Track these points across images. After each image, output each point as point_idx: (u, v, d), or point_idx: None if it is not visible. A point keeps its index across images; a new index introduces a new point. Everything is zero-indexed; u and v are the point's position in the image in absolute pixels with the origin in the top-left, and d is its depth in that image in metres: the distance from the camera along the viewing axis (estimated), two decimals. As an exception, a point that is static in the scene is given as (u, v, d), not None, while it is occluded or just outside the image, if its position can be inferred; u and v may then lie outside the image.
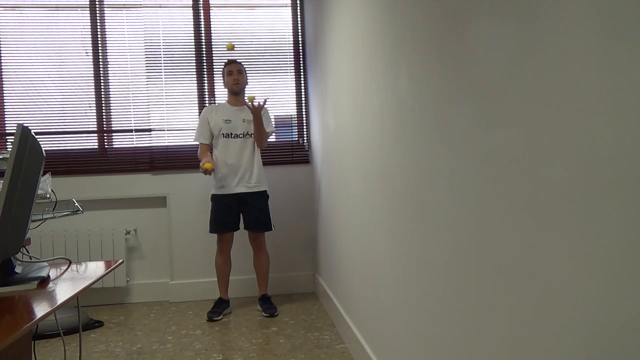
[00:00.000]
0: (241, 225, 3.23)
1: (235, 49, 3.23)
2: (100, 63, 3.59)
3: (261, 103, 3.06)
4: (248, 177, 3.15)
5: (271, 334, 2.79)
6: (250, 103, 3.06)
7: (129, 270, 3.57)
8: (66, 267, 1.54)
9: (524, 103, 0.88)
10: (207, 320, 3.05)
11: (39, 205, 1.95)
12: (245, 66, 3.35)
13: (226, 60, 3.32)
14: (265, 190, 3.23)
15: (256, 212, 3.17)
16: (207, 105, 3.63)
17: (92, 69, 3.59)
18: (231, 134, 3.17)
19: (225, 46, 3.20)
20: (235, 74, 3.22)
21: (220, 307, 3.14)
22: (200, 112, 3.62)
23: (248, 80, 3.36)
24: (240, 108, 3.23)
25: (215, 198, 3.19)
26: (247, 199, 3.15)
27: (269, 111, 3.31)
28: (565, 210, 0.79)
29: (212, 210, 3.19)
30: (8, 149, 3.48)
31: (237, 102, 3.25)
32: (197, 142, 3.26)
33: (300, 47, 3.75)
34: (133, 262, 3.58)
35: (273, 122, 3.41)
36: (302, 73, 3.76)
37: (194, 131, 3.62)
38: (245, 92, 3.31)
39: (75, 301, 1.70)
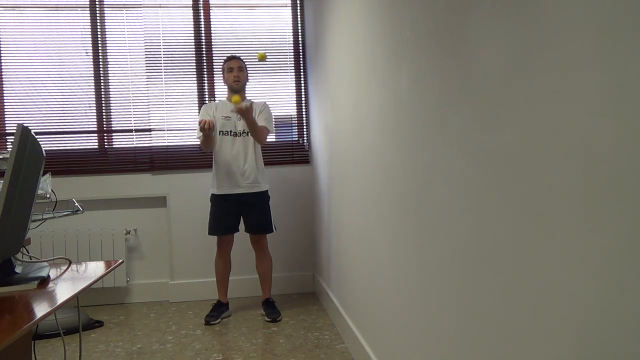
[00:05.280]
0: (241, 227, 3.19)
1: (266, 58, 3.02)
2: (100, 63, 3.59)
3: (247, 105, 2.93)
4: (248, 176, 3.09)
5: (271, 334, 2.79)
6: (237, 107, 2.94)
7: (129, 270, 3.57)
8: (66, 267, 1.54)
9: (524, 103, 0.88)
10: (204, 324, 3.01)
11: (39, 205, 1.95)
12: (245, 66, 3.24)
13: (227, 56, 3.22)
14: (267, 191, 3.18)
15: (257, 214, 3.13)
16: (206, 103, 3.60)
17: (92, 69, 3.59)
18: (230, 131, 3.10)
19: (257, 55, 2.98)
20: (236, 71, 3.12)
21: (218, 310, 3.10)
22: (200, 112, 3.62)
23: (249, 78, 3.26)
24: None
25: (214, 198, 3.13)
26: (248, 200, 3.09)
27: (270, 110, 3.23)
28: (565, 211, 0.79)
29: (211, 212, 3.14)
30: (8, 149, 3.48)
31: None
32: (198, 137, 3.07)
33: (300, 47, 3.75)
34: (133, 262, 3.58)
35: (274, 122, 3.33)
36: (302, 73, 3.76)
37: (194, 131, 3.63)
38: (246, 90, 3.24)
39: (75, 301, 1.70)
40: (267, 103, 3.23)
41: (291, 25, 3.75)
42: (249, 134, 3.12)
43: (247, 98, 3.24)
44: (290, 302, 3.41)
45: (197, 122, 3.12)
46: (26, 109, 3.54)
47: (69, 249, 3.40)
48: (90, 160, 3.55)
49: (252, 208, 3.12)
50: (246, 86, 3.24)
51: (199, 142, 3.58)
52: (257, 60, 3.01)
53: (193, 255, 3.59)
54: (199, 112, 3.61)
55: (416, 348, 1.51)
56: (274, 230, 3.21)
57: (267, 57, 3.71)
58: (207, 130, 2.90)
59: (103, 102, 3.59)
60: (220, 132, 3.10)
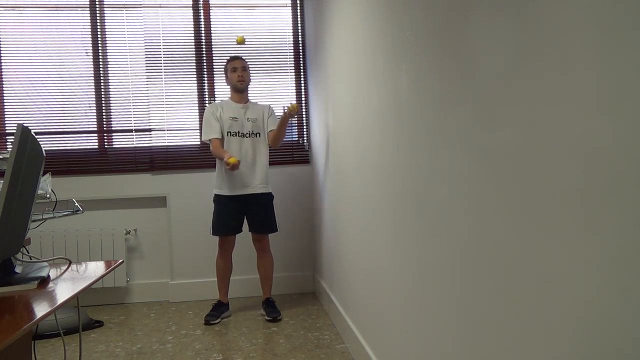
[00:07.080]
0: (244, 227, 3.19)
1: (245, 43, 2.99)
2: (100, 63, 3.59)
3: (294, 108, 2.96)
4: (255, 178, 3.08)
5: (271, 334, 2.79)
6: (285, 109, 2.98)
7: (129, 270, 3.57)
8: (66, 267, 1.54)
9: (524, 103, 0.88)
10: (204, 324, 3.01)
11: (39, 205, 1.95)
12: (248, 66, 3.23)
13: (230, 56, 3.22)
14: (271, 192, 3.19)
15: (262, 214, 3.13)
16: (207, 104, 3.61)
17: (92, 69, 3.59)
18: (238, 132, 3.07)
19: (235, 40, 2.96)
20: (240, 71, 3.12)
21: (218, 310, 3.10)
22: (200, 112, 3.63)
23: (251, 78, 3.26)
24: (244, 106, 3.14)
25: (219, 199, 3.10)
26: (254, 200, 3.09)
27: (274, 112, 3.25)
28: (564, 211, 0.79)
29: (215, 212, 3.11)
30: (8, 149, 3.48)
31: (240, 100, 3.15)
32: (207, 140, 3.07)
33: (300, 47, 3.75)
34: (133, 262, 3.58)
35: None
36: (302, 73, 3.76)
37: (194, 131, 3.63)
38: (249, 91, 3.23)
39: (75, 301, 1.70)
40: (269, 104, 3.25)
41: (291, 25, 3.75)
42: (258, 135, 3.12)
43: (249, 99, 3.24)
44: (290, 302, 3.41)
45: (205, 124, 3.08)
46: (26, 109, 3.54)
47: (69, 249, 3.40)
48: (90, 160, 3.55)
49: (257, 208, 3.12)
50: (248, 86, 3.23)
51: (199, 143, 3.61)
52: (235, 43, 2.99)
53: (193, 255, 3.59)
54: (199, 112, 3.63)
55: (416, 348, 1.51)
56: (277, 230, 3.22)
57: (266, 56, 3.71)
58: (236, 166, 2.87)
59: (103, 102, 3.59)
60: (227, 132, 3.08)
